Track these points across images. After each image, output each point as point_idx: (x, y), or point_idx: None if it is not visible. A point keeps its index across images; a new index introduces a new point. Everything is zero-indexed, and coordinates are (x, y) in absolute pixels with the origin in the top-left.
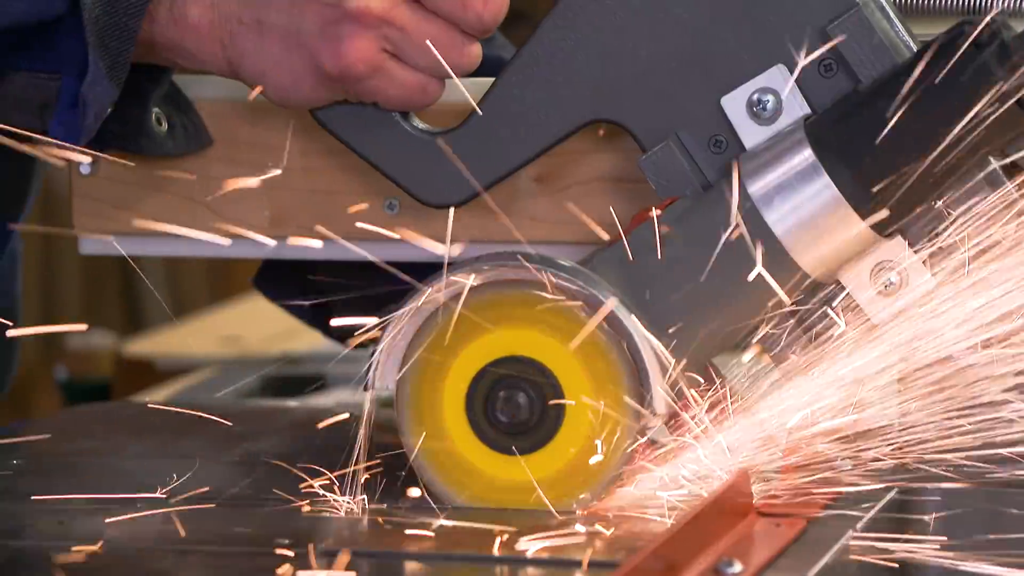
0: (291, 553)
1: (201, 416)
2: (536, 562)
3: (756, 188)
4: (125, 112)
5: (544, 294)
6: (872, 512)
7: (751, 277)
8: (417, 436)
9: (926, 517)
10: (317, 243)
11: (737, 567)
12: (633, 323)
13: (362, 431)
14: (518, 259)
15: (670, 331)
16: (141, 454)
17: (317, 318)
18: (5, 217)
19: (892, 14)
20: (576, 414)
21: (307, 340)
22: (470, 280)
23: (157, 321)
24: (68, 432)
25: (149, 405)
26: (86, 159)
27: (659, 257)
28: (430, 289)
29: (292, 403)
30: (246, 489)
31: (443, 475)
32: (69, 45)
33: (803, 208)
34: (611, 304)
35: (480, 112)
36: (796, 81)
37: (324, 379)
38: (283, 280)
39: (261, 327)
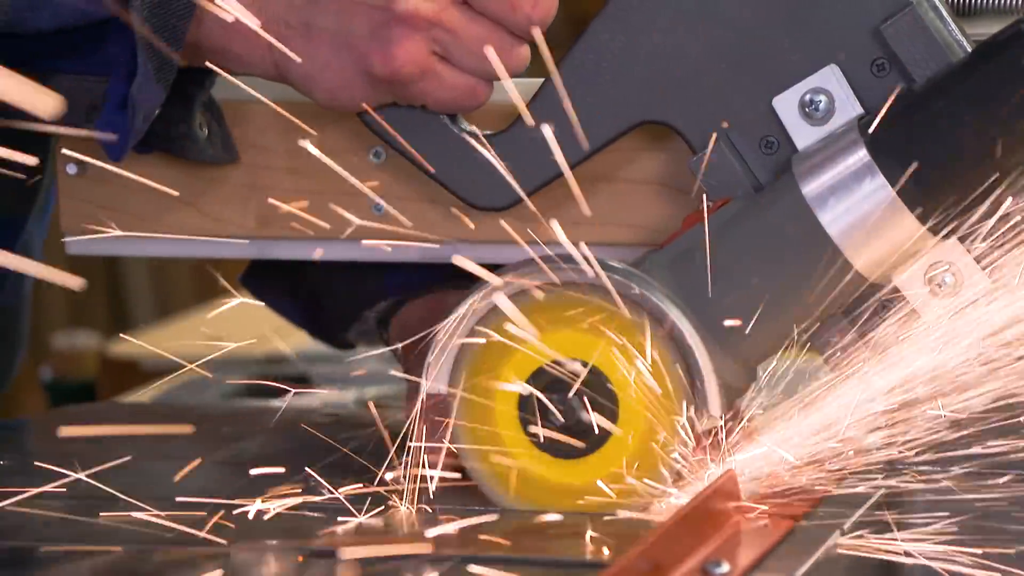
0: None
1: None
2: (524, 562)
3: (810, 189)
4: (170, 115)
5: (597, 297)
6: (859, 512)
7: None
8: (470, 439)
9: (913, 516)
10: (304, 244)
11: (724, 567)
12: (687, 326)
13: (415, 434)
14: (570, 262)
15: (724, 333)
16: (128, 455)
17: (304, 317)
18: (16, 213)
19: (945, 13)
20: (629, 417)
21: (292, 340)
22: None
23: (142, 321)
24: (55, 432)
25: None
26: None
27: (711, 259)
28: (483, 292)
29: (277, 403)
30: (236, 489)
31: (495, 477)
32: (117, 47)
33: (858, 208)
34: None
35: (528, 115)
36: (849, 81)
37: (309, 379)
38: (271, 279)
39: (246, 327)
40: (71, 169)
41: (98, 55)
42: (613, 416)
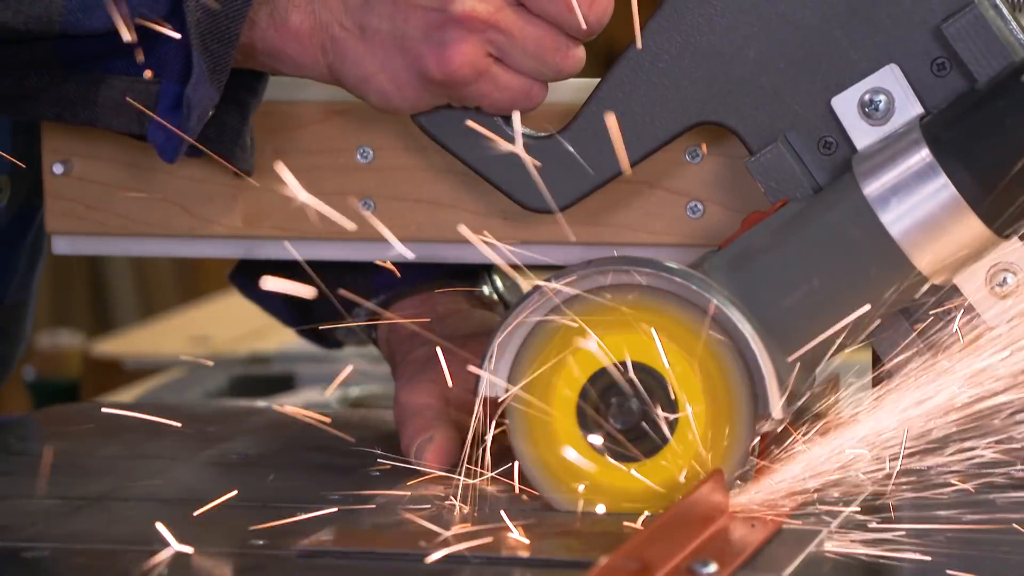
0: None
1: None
2: (511, 561)
3: (871, 189)
4: (224, 119)
5: (658, 299)
6: (846, 512)
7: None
8: (527, 441)
9: (900, 516)
10: (290, 243)
11: (712, 567)
12: (747, 327)
13: (469, 437)
14: (627, 263)
15: (783, 335)
16: (115, 455)
17: (293, 315)
18: (31, 206)
19: (1005, 12)
20: (689, 421)
21: (275, 340)
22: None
23: (125, 321)
24: (41, 433)
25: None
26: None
27: (771, 260)
28: (540, 295)
29: (261, 403)
30: (225, 489)
31: (553, 481)
32: (170, 48)
33: (920, 208)
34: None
35: (584, 117)
36: (909, 81)
37: (293, 379)
38: (260, 276)
39: (229, 327)
40: (57, 169)
41: (151, 57)
42: (672, 421)
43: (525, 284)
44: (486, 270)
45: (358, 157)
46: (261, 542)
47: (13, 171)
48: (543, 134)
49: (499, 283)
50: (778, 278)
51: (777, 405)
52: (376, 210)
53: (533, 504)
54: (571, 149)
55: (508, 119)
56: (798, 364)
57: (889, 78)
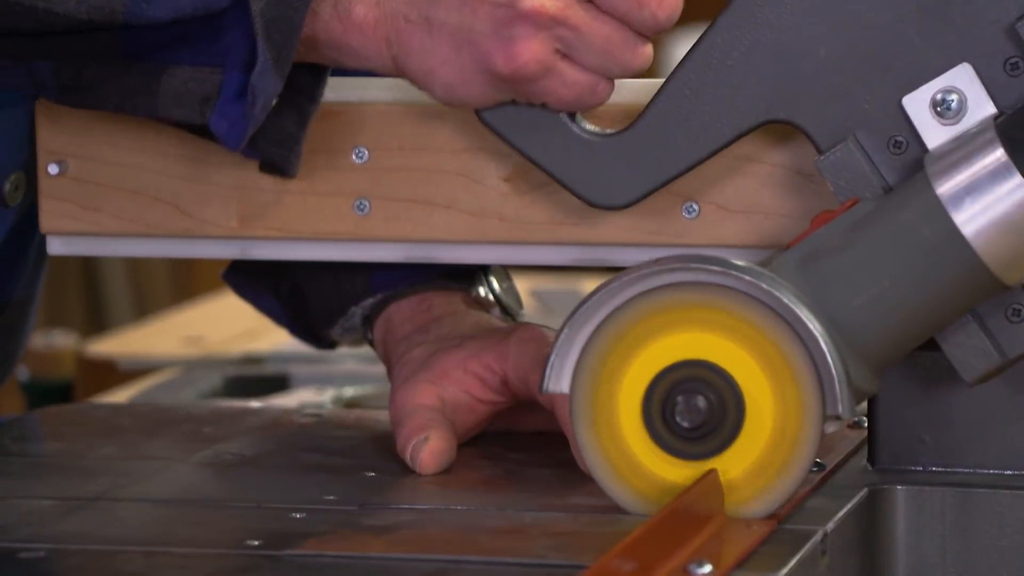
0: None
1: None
2: (504, 563)
3: (944, 189)
4: (283, 125)
5: (726, 297)
6: (843, 511)
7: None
8: (591, 440)
9: (897, 515)
10: (287, 244)
11: (707, 568)
12: (816, 326)
13: None
14: (696, 261)
15: (853, 335)
16: (110, 455)
17: (288, 315)
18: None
19: None
20: (756, 419)
21: (269, 340)
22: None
23: (119, 321)
24: (36, 433)
25: None
26: None
27: (841, 260)
28: (605, 292)
29: (255, 404)
30: (220, 490)
31: (617, 480)
32: (233, 37)
33: (994, 209)
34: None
35: (651, 114)
36: (982, 80)
37: (287, 379)
38: (254, 276)
39: (223, 327)
40: (52, 169)
41: (214, 46)
42: (739, 419)
43: (524, 287)
44: (482, 271)
45: (353, 157)
46: (256, 543)
47: (27, 168)
48: (609, 131)
49: (495, 284)
50: (848, 278)
51: (846, 406)
52: (371, 211)
53: (529, 505)
54: (638, 146)
55: (573, 115)
56: (867, 364)
57: (962, 77)
